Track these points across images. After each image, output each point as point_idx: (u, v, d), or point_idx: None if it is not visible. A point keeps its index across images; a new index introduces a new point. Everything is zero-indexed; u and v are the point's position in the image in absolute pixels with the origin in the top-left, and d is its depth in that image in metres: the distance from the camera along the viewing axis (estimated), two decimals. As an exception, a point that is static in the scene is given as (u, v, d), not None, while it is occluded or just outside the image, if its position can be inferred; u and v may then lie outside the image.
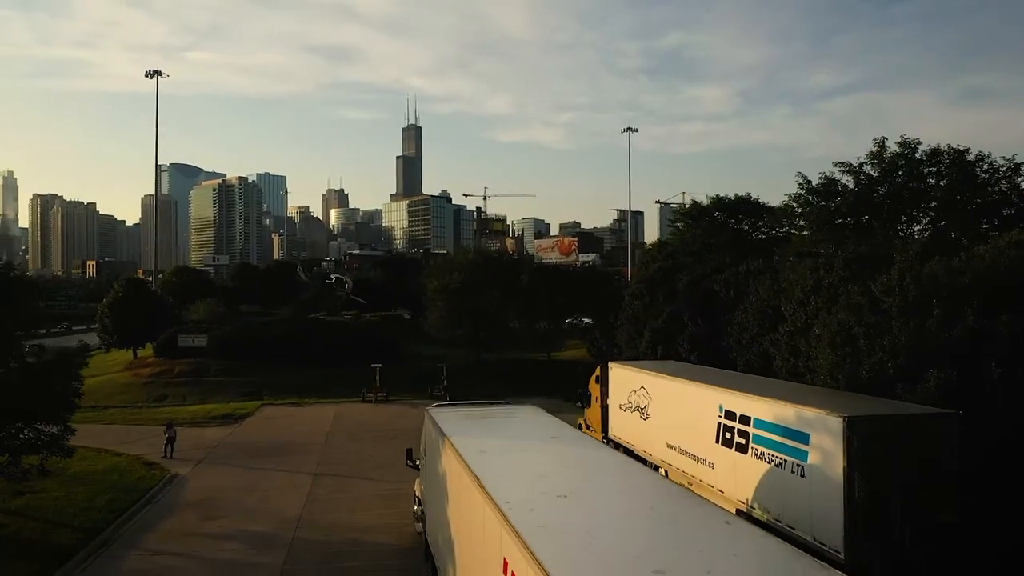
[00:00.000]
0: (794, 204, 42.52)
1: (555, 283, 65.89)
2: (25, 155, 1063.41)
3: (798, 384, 25.66)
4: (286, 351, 63.70)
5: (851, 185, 39.36)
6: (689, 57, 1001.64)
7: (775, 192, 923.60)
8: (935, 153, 38.61)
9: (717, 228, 55.72)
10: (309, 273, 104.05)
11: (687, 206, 63.12)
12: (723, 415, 23.64)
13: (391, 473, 31.88)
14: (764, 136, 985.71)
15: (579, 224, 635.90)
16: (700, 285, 49.95)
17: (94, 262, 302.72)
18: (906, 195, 38.02)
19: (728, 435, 23.32)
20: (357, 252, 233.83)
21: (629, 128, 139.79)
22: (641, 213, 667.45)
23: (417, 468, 24.44)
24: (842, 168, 39.63)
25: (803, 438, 19.52)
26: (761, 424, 21.57)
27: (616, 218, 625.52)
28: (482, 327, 63.73)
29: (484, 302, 63.24)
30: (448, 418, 19.66)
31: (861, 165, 39.19)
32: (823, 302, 33.36)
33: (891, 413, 18.82)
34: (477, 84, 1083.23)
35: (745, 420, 22.41)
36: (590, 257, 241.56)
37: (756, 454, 21.77)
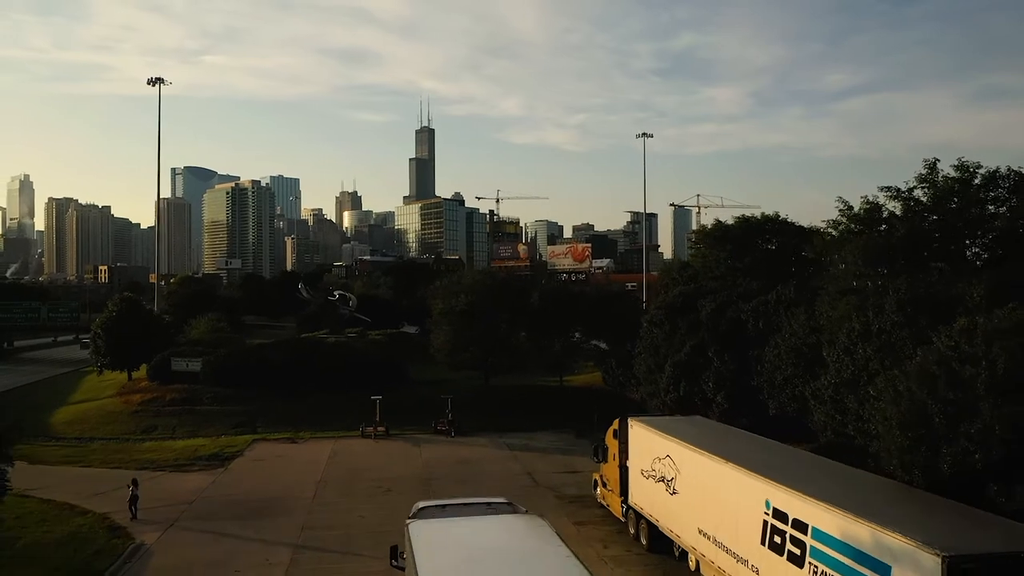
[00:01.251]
0: (832, 231, 38.17)
1: (567, 306, 61.65)
2: (41, 158, 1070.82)
3: (861, 474, 21.22)
4: (283, 378, 59.85)
5: (898, 212, 35.00)
6: (702, 58, 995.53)
7: (789, 194, 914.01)
8: (992, 176, 34.26)
9: (743, 249, 51.27)
10: (312, 290, 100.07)
11: (710, 227, 58.62)
12: (770, 513, 19.42)
13: (382, 546, 27.78)
14: (777, 137, 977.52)
15: (592, 226, 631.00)
16: (725, 314, 45.72)
17: (106, 267, 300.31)
18: (961, 225, 33.65)
19: (777, 539, 19.10)
20: (368, 258, 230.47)
21: (644, 133, 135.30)
22: (655, 215, 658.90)
23: (402, 568, 20.49)
24: (888, 193, 35.29)
25: (883, 570, 15.30)
26: (822, 537, 17.34)
27: (629, 220, 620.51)
28: (490, 351, 59.67)
29: (492, 325, 59.20)
30: (428, 550, 15.64)
31: (911, 190, 34.85)
32: (874, 351, 29.07)
33: (1007, 551, 14.47)
34: (489, 86, 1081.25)
35: (800, 527, 18.18)
36: (604, 263, 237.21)
37: (814, 572, 17.57)
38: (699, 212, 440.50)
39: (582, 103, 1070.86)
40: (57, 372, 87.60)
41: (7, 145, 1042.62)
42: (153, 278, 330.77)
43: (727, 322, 44.22)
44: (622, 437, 30.72)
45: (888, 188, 35.23)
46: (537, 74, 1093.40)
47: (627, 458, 30.02)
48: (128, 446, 50.60)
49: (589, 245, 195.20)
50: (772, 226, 52.07)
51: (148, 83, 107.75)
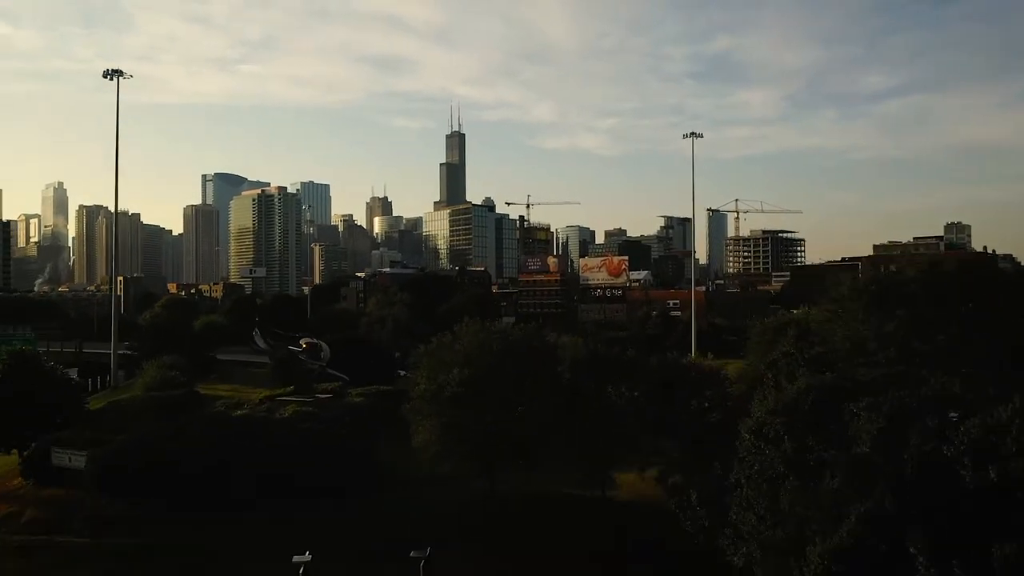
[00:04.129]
0: None
1: (611, 378, 40.43)
2: (76, 166, 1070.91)
3: None
4: (199, 489, 39.66)
5: None
6: (737, 61, 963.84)
7: (823, 198, 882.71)
8: None
9: (934, 307, 29.69)
10: (272, 339, 79.35)
11: (887, 278, 36.96)
12: None
13: None
14: (812, 140, 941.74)
15: (625, 232, 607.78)
16: (910, 442, 24.79)
17: (122, 278, 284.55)
18: None
19: None
20: (387, 270, 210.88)
21: (693, 133, 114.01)
22: (689, 220, 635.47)
23: None
24: None
25: None
26: None
27: (663, 225, 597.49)
28: (496, 450, 39.01)
29: (501, 412, 38.53)
30: None
31: None
32: None
33: None
34: (523, 91, 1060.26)
35: None
36: (641, 275, 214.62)
37: None
38: (738, 218, 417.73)
39: (614, 107, 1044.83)
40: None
41: (42, 153, 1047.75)
42: (174, 288, 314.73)
43: (927, 458, 23.18)
44: None
45: None
46: (570, 79, 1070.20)
47: None
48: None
49: (626, 258, 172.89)
50: (986, 271, 30.55)
51: (104, 75, 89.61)
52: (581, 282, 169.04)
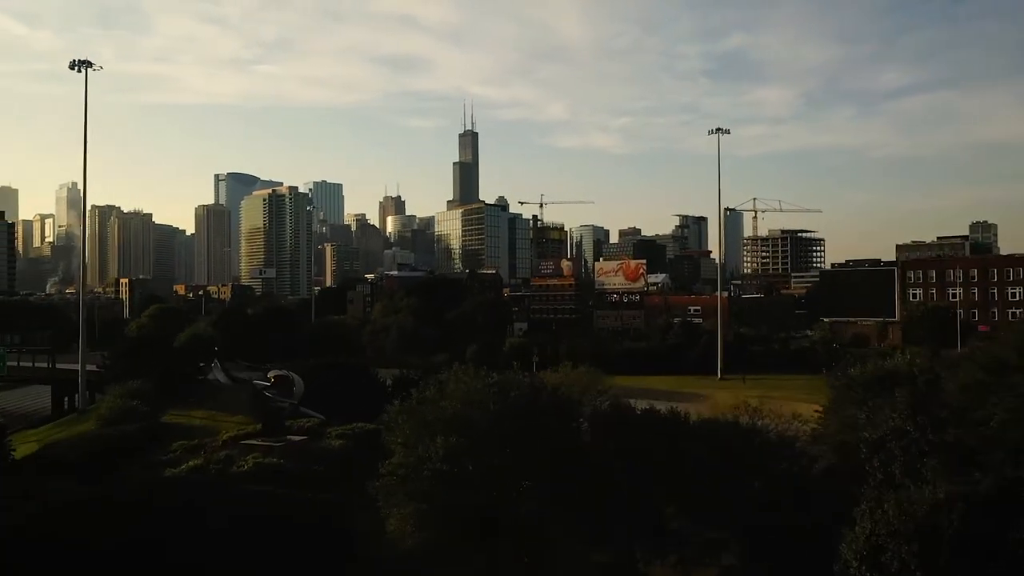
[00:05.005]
0: None
1: (640, 443, 30.61)
2: (91, 167, 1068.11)
3: None
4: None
5: None
6: (752, 59, 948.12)
7: (839, 196, 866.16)
8: None
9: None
10: (237, 371, 69.22)
11: None
12: None
13: None
14: (827, 138, 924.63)
15: (639, 230, 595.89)
16: None
17: (127, 280, 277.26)
18: None
19: None
20: (395, 273, 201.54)
21: (719, 129, 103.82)
22: (704, 219, 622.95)
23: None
24: None
25: None
26: None
27: (678, 224, 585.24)
28: (493, 540, 29.27)
29: (497, 494, 28.82)
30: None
31: None
32: None
33: None
34: (538, 90, 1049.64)
35: None
36: (659, 279, 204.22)
37: None
38: (756, 217, 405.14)
39: (627, 106, 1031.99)
40: None
41: (59, 153, 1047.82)
42: (181, 290, 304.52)
43: None
44: None
45: None
46: (583, 78, 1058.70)
47: None
48: None
49: (643, 262, 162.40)
50: None
51: (71, 67, 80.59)
52: (597, 287, 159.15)
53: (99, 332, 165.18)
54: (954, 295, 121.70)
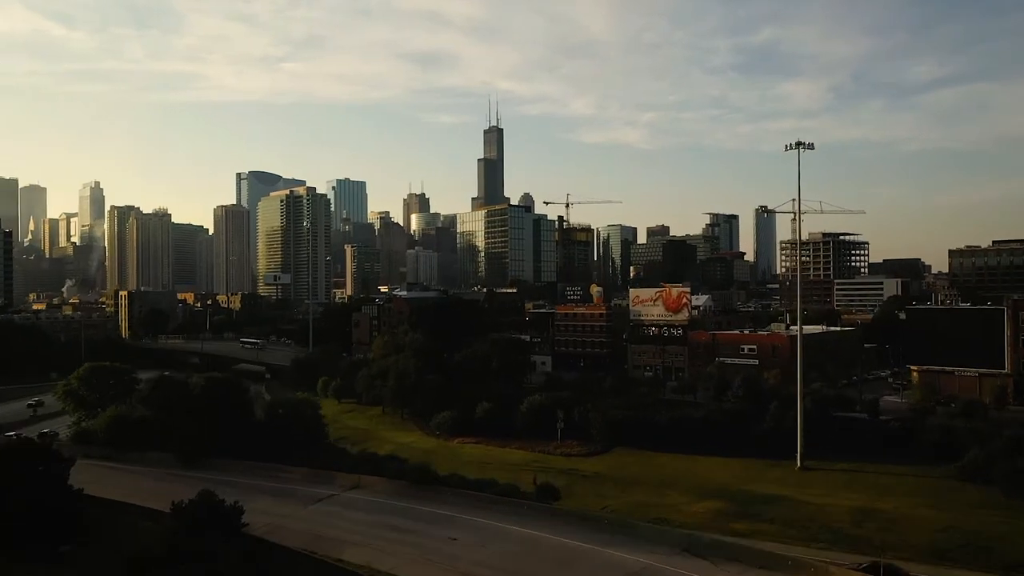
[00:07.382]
0: None
1: None
2: (114, 167, 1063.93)
3: None
4: None
5: None
6: (782, 52, 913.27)
7: (869, 191, 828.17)
8: None
9: None
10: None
11: None
12: None
13: None
14: (857, 131, 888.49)
15: (668, 229, 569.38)
16: None
17: (126, 293, 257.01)
18: None
19: None
20: (404, 295, 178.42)
21: (799, 143, 79.37)
22: (736, 217, 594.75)
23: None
24: None
25: None
26: None
27: (708, 223, 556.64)
28: None
29: None
30: None
31: None
32: None
33: None
34: (562, 85, 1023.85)
35: None
36: (700, 300, 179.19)
37: None
38: (794, 219, 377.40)
39: (654, 101, 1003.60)
40: None
41: (85, 152, 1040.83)
42: (190, 299, 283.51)
43: None
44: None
45: None
46: (610, 73, 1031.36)
47: None
48: None
49: (687, 290, 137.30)
50: None
51: None
52: (632, 317, 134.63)
53: (84, 356, 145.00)
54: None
